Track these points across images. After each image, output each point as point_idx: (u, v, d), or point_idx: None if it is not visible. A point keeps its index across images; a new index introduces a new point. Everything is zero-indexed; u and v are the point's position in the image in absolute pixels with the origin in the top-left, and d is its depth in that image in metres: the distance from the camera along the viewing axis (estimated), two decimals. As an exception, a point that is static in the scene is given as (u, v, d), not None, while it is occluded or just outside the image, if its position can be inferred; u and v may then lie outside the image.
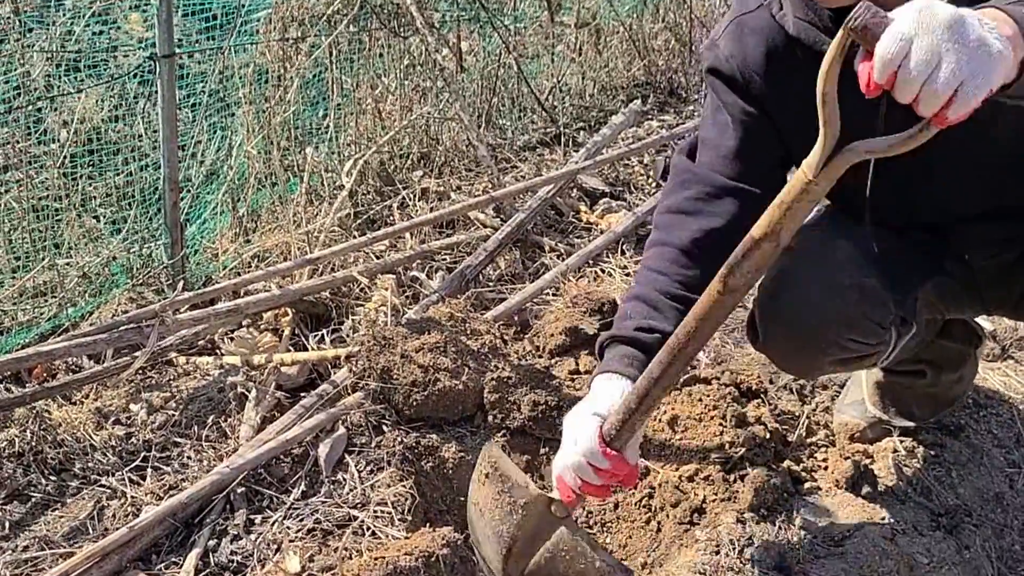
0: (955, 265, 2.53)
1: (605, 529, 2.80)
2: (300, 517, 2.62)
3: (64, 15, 4.03)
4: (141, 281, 3.57)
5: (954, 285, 2.56)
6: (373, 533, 2.57)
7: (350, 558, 2.41)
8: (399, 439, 2.81)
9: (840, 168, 1.80)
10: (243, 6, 4.03)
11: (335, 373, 3.08)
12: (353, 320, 3.41)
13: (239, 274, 3.59)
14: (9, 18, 3.70)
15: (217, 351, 3.32)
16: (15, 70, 3.60)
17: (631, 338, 2.34)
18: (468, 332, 3.15)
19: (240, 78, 3.99)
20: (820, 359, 2.56)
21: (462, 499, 2.79)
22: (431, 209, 4.13)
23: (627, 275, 3.95)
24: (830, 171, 1.80)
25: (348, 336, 3.35)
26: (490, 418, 2.93)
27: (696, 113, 5.78)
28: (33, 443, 2.83)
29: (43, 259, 3.46)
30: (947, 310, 2.67)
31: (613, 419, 2.17)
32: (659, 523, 2.74)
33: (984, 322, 3.41)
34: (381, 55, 4.69)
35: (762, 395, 3.01)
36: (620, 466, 2.17)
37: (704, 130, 2.54)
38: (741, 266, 1.95)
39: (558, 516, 2.29)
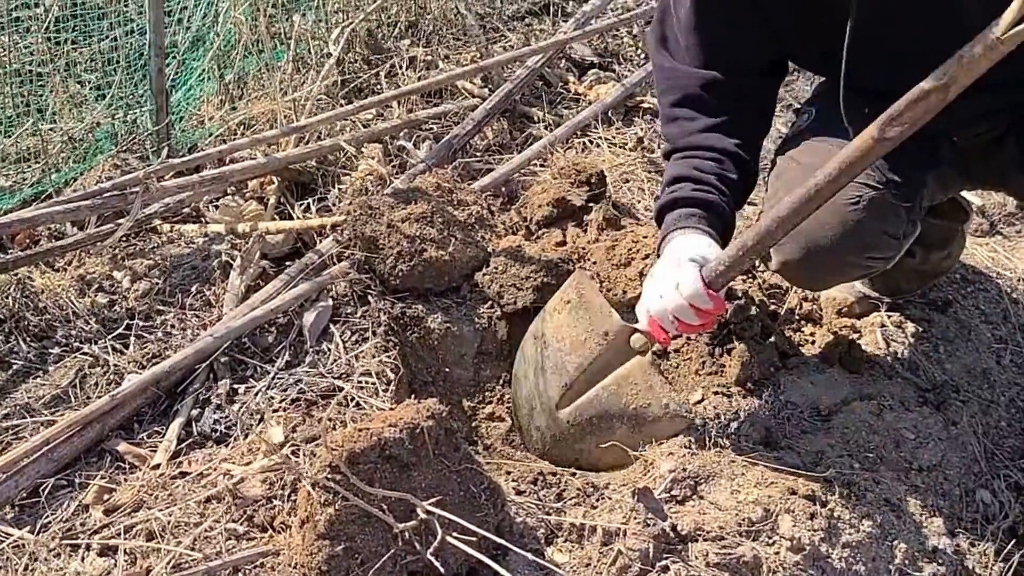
0: (948, 151, 2.41)
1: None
2: (284, 387, 2.49)
3: None
4: (126, 148, 3.38)
5: (950, 171, 2.47)
6: (357, 404, 2.44)
7: (334, 429, 2.29)
8: (384, 309, 2.67)
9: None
10: None
11: (320, 242, 2.92)
12: (339, 189, 3.25)
13: (225, 141, 3.40)
14: None
15: (202, 219, 3.15)
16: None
17: (695, 199, 2.30)
18: (455, 202, 2.99)
19: (226, -59, 3.75)
20: (839, 279, 2.57)
21: (447, 370, 2.68)
22: (419, 78, 3.93)
23: (614, 145, 3.78)
24: (1016, 35, 1.75)
25: (334, 205, 3.18)
26: (497, 309, 2.80)
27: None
28: (15, 310, 2.69)
29: (27, 124, 3.27)
30: (944, 195, 2.56)
31: (717, 262, 2.17)
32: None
33: (972, 197, 3.28)
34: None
35: (750, 268, 2.86)
36: (719, 306, 2.21)
37: (682, 13, 2.38)
38: (903, 116, 1.88)
39: (636, 349, 2.34)
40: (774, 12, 2.27)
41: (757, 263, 2.85)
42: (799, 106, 2.58)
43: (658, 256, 2.35)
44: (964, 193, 2.93)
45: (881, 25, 2.14)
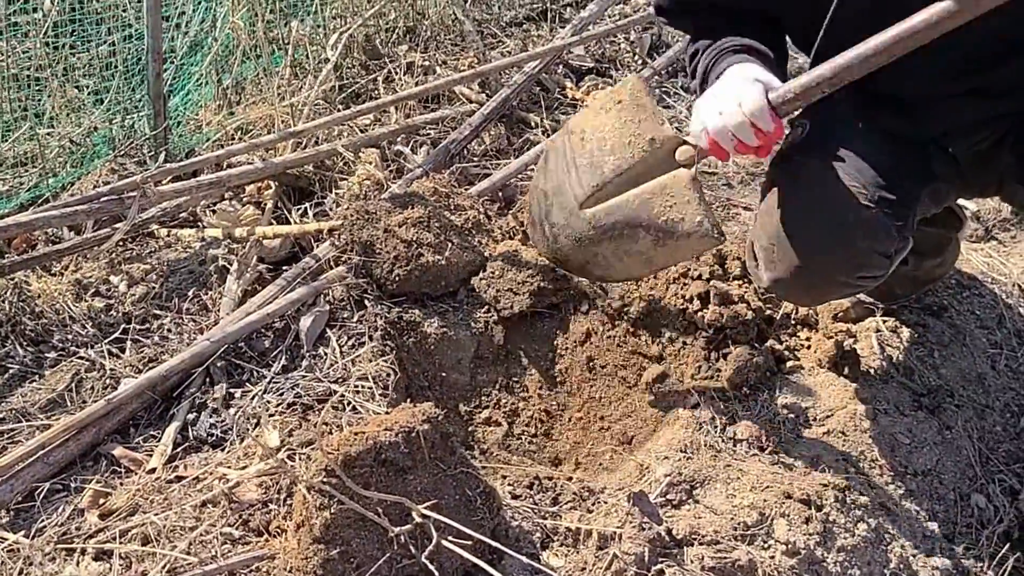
0: (943, 164, 2.39)
1: (589, 406, 2.69)
2: (280, 391, 2.49)
3: None
4: (123, 152, 3.37)
5: (945, 186, 2.45)
6: (353, 408, 2.44)
7: (330, 433, 2.29)
8: (381, 314, 2.67)
9: None
10: None
11: (317, 247, 2.91)
12: (336, 194, 3.24)
13: (222, 146, 3.39)
14: None
15: (199, 223, 3.15)
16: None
17: (744, 46, 2.24)
18: (452, 207, 2.99)
19: (224, -53, 3.76)
20: (830, 298, 2.56)
21: (443, 375, 2.68)
22: (416, 83, 3.94)
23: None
24: None
25: (331, 210, 3.18)
26: (494, 314, 2.79)
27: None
28: (11, 314, 2.69)
29: (24, 128, 3.26)
30: (938, 207, 2.56)
31: (787, 88, 2.07)
32: (643, 400, 2.64)
33: (968, 203, 3.27)
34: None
35: (746, 274, 2.86)
36: (779, 132, 2.11)
37: None
38: None
39: (681, 162, 2.22)
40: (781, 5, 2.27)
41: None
42: (792, 117, 2.57)
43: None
44: (959, 200, 2.92)
45: (872, 20, 2.13)
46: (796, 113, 2.17)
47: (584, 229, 2.32)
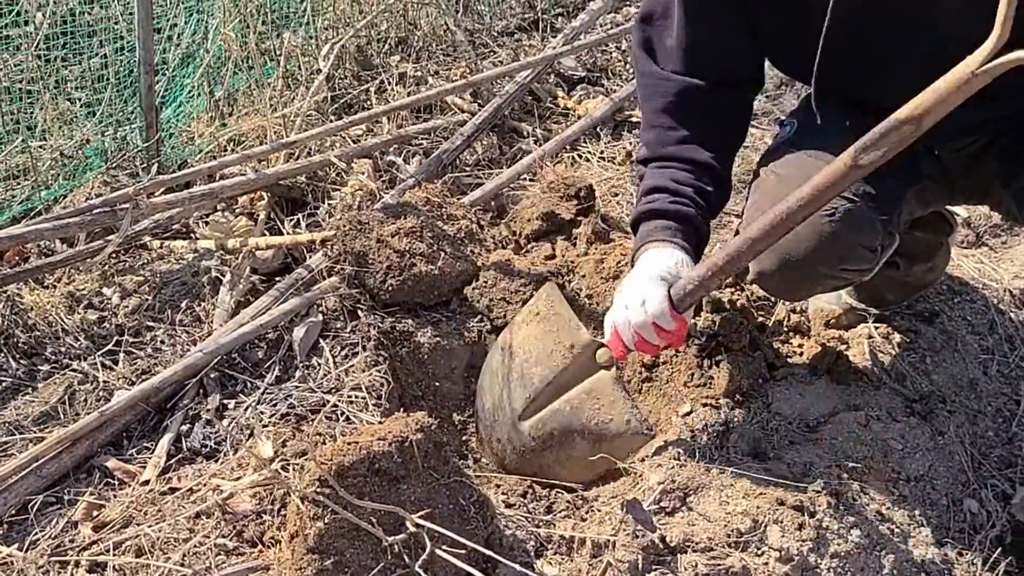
0: (929, 165, 2.40)
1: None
2: (274, 402, 2.49)
3: None
4: (115, 164, 3.38)
5: (932, 186, 2.46)
6: (347, 418, 2.44)
7: (323, 443, 2.29)
8: (374, 324, 2.67)
9: (1002, 68, 1.73)
10: None
11: (310, 257, 2.92)
12: (329, 204, 3.25)
13: (215, 158, 3.40)
14: None
15: (192, 235, 3.15)
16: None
17: (671, 212, 2.30)
18: (444, 217, 3.00)
19: (215, -41, 3.76)
20: (814, 290, 2.54)
21: (437, 384, 2.68)
22: (408, 94, 3.95)
23: (603, 159, 3.79)
24: (992, 69, 1.73)
25: (324, 220, 3.19)
26: (487, 323, 2.80)
27: None
28: (4, 327, 2.69)
29: (16, 141, 3.27)
30: (924, 209, 2.56)
31: (684, 283, 2.17)
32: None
33: (959, 209, 3.28)
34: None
35: (738, 280, 2.87)
36: (682, 329, 2.20)
37: (670, 18, 2.36)
38: (877, 145, 1.88)
39: (602, 364, 2.34)
40: (763, 15, 2.27)
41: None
42: (783, 118, 2.57)
43: (631, 265, 2.35)
44: (950, 206, 2.93)
45: (857, 27, 2.14)
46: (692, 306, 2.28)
47: (526, 442, 2.40)
